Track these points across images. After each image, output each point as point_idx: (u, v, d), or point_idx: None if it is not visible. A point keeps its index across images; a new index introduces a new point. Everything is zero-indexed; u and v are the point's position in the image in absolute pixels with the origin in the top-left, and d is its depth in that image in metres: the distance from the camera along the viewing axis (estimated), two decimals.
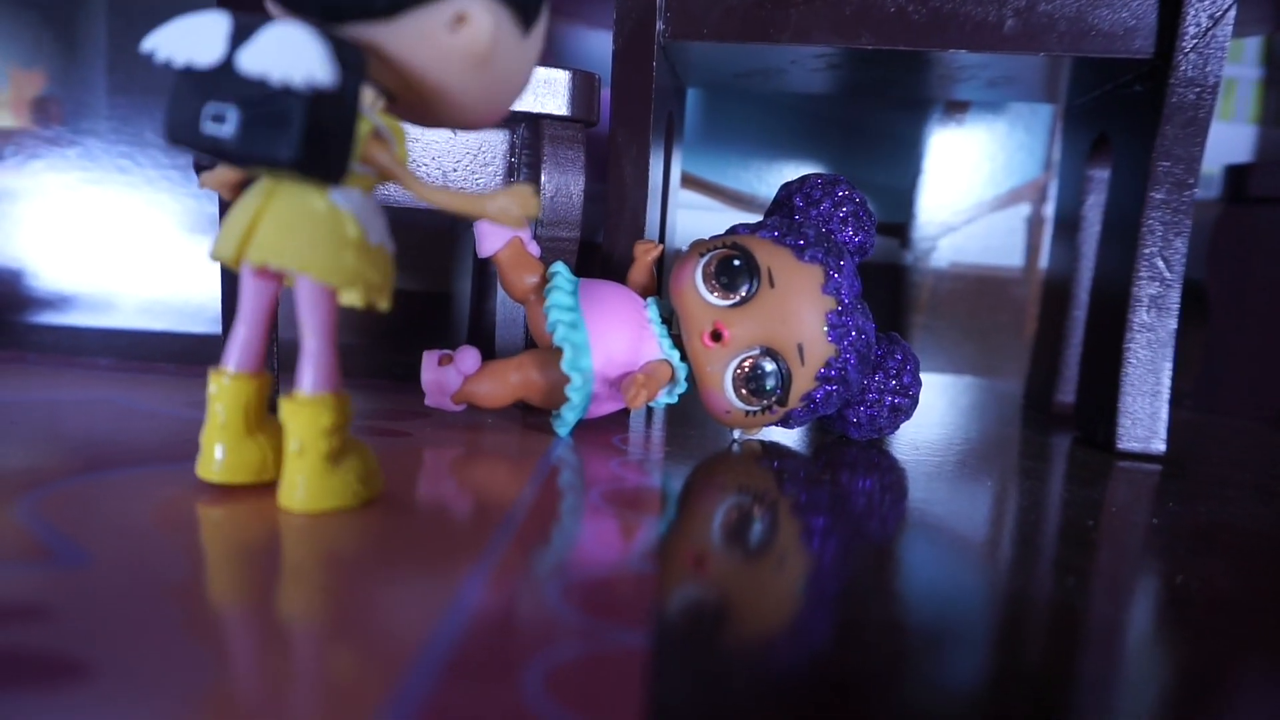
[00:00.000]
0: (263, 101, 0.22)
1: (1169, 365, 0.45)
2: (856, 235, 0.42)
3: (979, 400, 0.64)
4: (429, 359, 0.40)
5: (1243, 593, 0.26)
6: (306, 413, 0.26)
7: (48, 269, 0.72)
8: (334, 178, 0.24)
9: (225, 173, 0.28)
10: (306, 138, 0.22)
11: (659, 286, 0.46)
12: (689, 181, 0.74)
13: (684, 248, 0.42)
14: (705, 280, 0.39)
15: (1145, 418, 0.45)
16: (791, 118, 0.74)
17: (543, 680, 0.17)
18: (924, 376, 0.73)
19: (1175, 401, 0.66)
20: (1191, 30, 0.42)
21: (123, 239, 0.72)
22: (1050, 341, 0.59)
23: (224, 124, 0.23)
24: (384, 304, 0.26)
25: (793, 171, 0.74)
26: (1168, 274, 0.44)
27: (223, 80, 0.23)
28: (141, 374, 0.50)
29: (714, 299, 0.39)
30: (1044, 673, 0.20)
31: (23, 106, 0.70)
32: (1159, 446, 0.45)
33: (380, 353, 0.68)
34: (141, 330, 0.70)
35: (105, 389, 0.45)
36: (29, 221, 0.72)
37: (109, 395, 0.44)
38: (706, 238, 0.41)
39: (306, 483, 0.27)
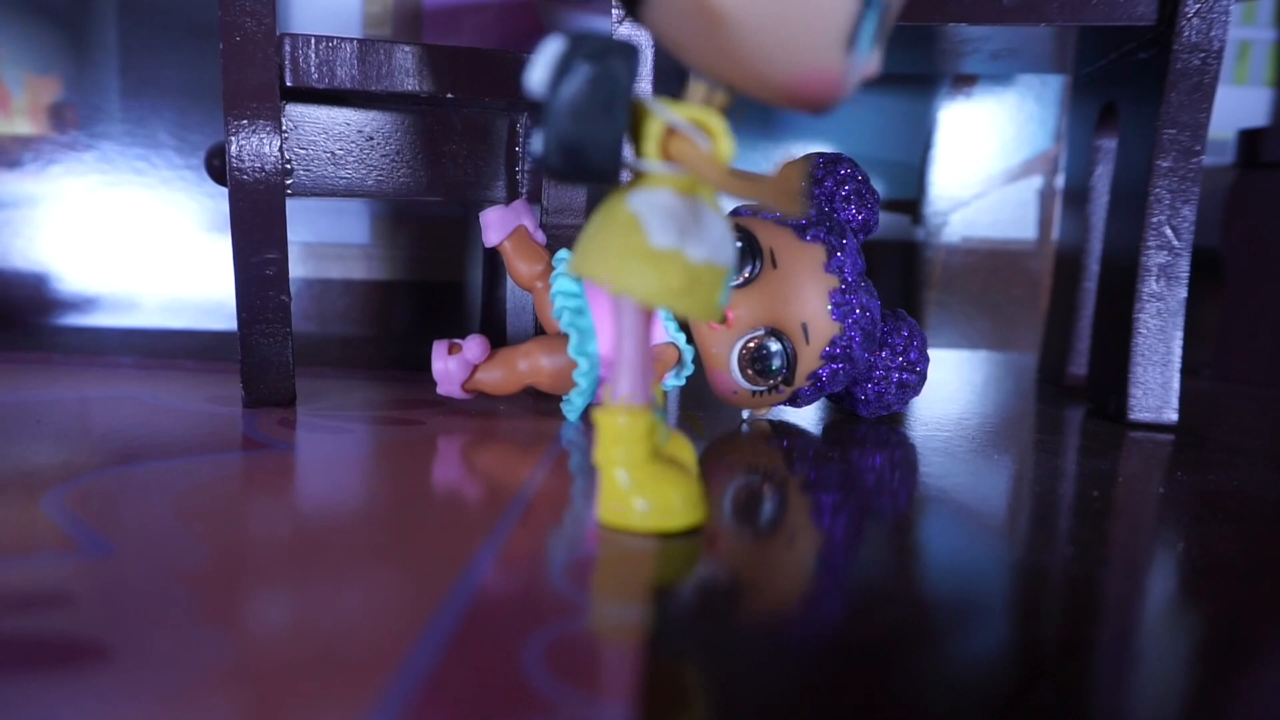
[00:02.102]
0: (536, 115, 0.23)
1: (1179, 334, 0.44)
2: (860, 213, 0.42)
3: (993, 375, 0.64)
4: (439, 348, 0.41)
5: (1249, 559, 0.26)
6: (603, 420, 0.26)
7: (70, 272, 0.74)
8: (601, 179, 0.24)
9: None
10: (556, 144, 0.22)
11: None
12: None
13: None
14: None
15: (1157, 388, 0.45)
16: None
17: (542, 654, 0.18)
18: (938, 352, 0.72)
19: (1192, 370, 0.65)
20: None
21: (141, 240, 0.73)
22: (1063, 314, 0.58)
23: (530, 142, 0.24)
24: (697, 311, 0.24)
25: (800, 151, 0.74)
26: (1176, 242, 0.44)
27: (528, 103, 0.24)
28: (163, 371, 0.52)
29: None
30: (1054, 642, 0.21)
31: (40, 113, 0.72)
32: (1171, 416, 0.45)
33: (394, 343, 0.69)
34: (162, 329, 0.72)
35: (128, 386, 0.47)
36: (50, 226, 0.73)
37: (132, 392, 0.45)
38: None
39: (600, 493, 0.26)
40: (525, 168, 0.46)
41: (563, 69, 0.22)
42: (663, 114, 0.24)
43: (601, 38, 0.23)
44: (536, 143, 0.23)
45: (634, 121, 0.24)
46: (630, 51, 0.23)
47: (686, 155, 0.24)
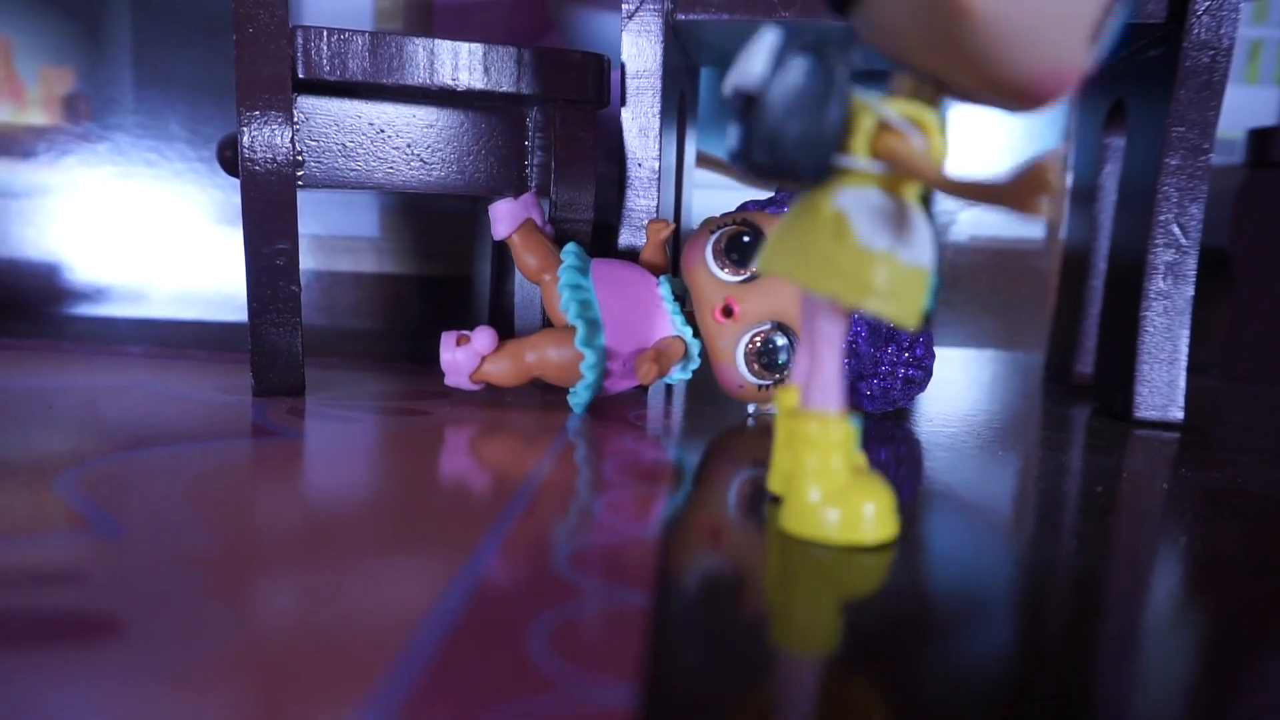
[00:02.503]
0: (743, 112, 0.23)
1: (1186, 333, 0.44)
2: None
3: (1000, 373, 0.64)
4: (447, 340, 0.41)
5: (1253, 557, 0.26)
6: (797, 427, 0.25)
7: (81, 262, 0.74)
8: (811, 178, 0.23)
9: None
10: (762, 139, 0.22)
11: (673, 264, 0.46)
12: (705, 160, 0.74)
13: (699, 222, 0.42)
14: (716, 257, 0.40)
15: (1163, 386, 0.45)
16: None
17: (546, 637, 0.18)
18: (945, 351, 0.72)
19: (1200, 369, 0.65)
20: None
21: (153, 231, 0.74)
22: (1070, 312, 0.58)
23: (730, 141, 0.23)
24: (903, 316, 0.23)
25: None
26: (1184, 241, 0.44)
27: (731, 101, 0.23)
28: (173, 360, 0.52)
29: (725, 275, 0.39)
30: (1057, 638, 0.21)
31: (53, 104, 0.72)
32: (1177, 414, 0.45)
33: (403, 336, 0.69)
34: (173, 319, 0.72)
35: (139, 375, 0.47)
36: (62, 216, 0.74)
37: (142, 381, 0.45)
38: (717, 215, 0.41)
39: (788, 503, 0.26)
40: (534, 162, 0.47)
41: (779, 61, 0.22)
42: (877, 109, 0.23)
43: (819, 29, 0.23)
44: (735, 138, 0.23)
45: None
46: (849, 43, 0.22)
47: (901, 153, 0.23)
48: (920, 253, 0.23)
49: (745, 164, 0.23)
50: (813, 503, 0.25)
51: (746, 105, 0.22)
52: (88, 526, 0.24)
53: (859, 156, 0.23)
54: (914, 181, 0.24)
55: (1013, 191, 0.21)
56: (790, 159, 0.22)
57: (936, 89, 0.23)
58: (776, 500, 0.29)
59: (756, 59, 0.22)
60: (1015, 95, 0.22)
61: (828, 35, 0.22)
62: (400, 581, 0.21)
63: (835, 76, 0.22)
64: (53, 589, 0.20)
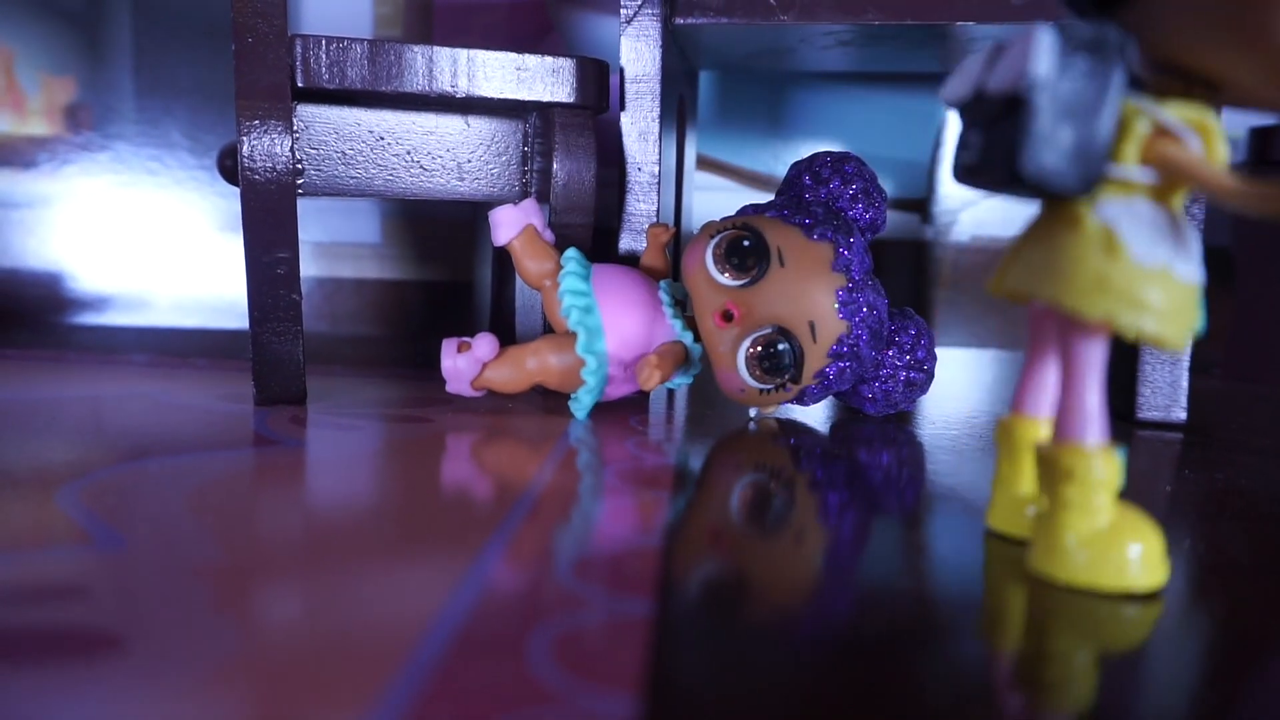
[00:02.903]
0: (998, 118, 0.21)
1: None
2: (867, 212, 0.42)
3: (1003, 374, 0.64)
4: (448, 346, 0.41)
5: (1256, 558, 0.26)
6: (1044, 463, 0.23)
7: (83, 271, 0.74)
8: (1076, 188, 0.21)
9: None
10: (1029, 146, 0.20)
11: (673, 269, 0.46)
12: (705, 163, 0.74)
13: (699, 227, 0.42)
14: (716, 261, 0.40)
15: (1165, 386, 0.45)
16: (806, 96, 0.74)
17: (548, 647, 0.18)
18: (947, 351, 0.72)
19: (1203, 369, 0.65)
20: None
21: (154, 239, 0.74)
22: None
23: (970, 150, 0.22)
24: (1176, 337, 0.21)
25: (809, 149, 0.74)
26: None
27: (976, 108, 0.22)
28: (176, 369, 0.52)
29: (725, 279, 0.39)
30: (1064, 639, 0.21)
31: (55, 113, 0.72)
32: (1180, 415, 0.44)
33: (405, 342, 0.69)
34: (175, 328, 0.72)
35: (141, 384, 0.47)
36: (64, 226, 0.74)
37: (145, 390, 0.45)
38: (717, 219, 0.41)
39: (1046, 544, 0.23)
40: (534, 167, 0.47)
41: (1033, 56, 0.20)
42: (1151, 113, 0.21)
43: (1091, 25, 0.21)
44: (976, 147, 0.21)
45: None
46: (1125, 42, 0.21)
47: (1179, 160, 0.21)
48: (1194, 267, 0.22)
49: (993, 174, 0.21)
50: (1073, 545, 0.23)
51: (1000, 110, 0.21)
52: (90, 539, 0.24)
53: (1129, 164, 0.21)
54: (1182, 190, 0.22)
55: None
56: (1060, 168, 0.20)
57: (1209, 91, 0.22)
58: (999, 536, 0.27)
59: (1039, 59, 0.20)
60: None
61: (1105, 31, 0.20)
62: (402, 591, 0.21)
63: (1112, 78, 0.20)
64: (54, 603, 0.20)
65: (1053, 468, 0.23)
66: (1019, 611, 0.22)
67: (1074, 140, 0.20)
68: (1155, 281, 0.21)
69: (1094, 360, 0.23)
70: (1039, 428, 0.26)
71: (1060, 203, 0.22)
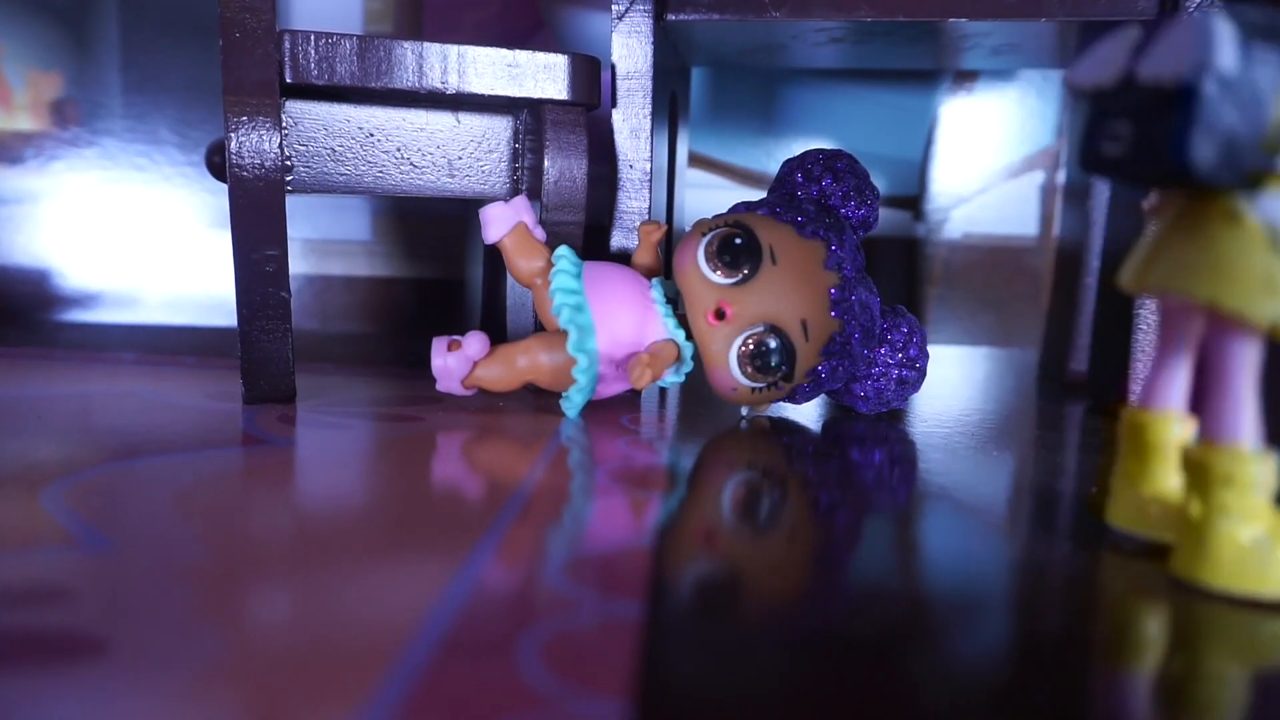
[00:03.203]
0: (1155, 108, 0.20)
1: None
2: (859, 209, 0.42)
3: (995, 371, 0.64)
4: (438, 345, 0.41)
5: None
6: (1197, 465, 0.22)
7: (71, 268, 0.74)
8: (1234, 181, 0.20)
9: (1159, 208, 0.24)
10: (1194, 138, 0.19)
11: (665, 267, 0.46)
12: (698, 160, 0.74)
13: (691, 224, 0.42)
14: (708, 259, 0.39)
15: None
16: (799, 92, 0.73)
17: (537, 651, 0.18)
18: (940, 348, 0.72)
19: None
20: None
21: (143, 236, 0.73)
22: (1064, 310, 0.58)
23: (1118, 141, 0.21)
24: None
25: (802, 146, 0.74)
26: None
27: (1123, 96, 0.21)
28: (164, 367, 0.52)
29: (717, 277, 0.39)
30: (1052, 640, 0.21)
31: (41, 109, 0.72)
32: None
33: (395, 340, 0.69)
34: (164, 325, 0.72)
35: (129, 382, 0.47)
36: (51, 222, 0.73)
37: (132, 388, 0.45)
38: (709, 217, 0.41)
39: (1201, 550, 0.22)
40: (525, 164, 0.46)
41: (1212, 41, 0.19)
42: None
43: (1265, 11, 0.20)
44: (1128, 138, 0.20)
45: None
46: None
47: None
48: None
49: (1147, 166, 0.20)
50: (1231, 552, 0.22)
51: (1158, 99, 0.20)
52: (74, 541, 0.23)
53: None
54: None
55: None
56: (1226, 161, 0.20)
57: None
58: (1119, 532, 0.27)
59: (1221, 47, 0.19)
60: None
61: (1276, 21, 0.20)
62: (391, 593, 0.21)
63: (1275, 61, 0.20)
64: (38, 606, 0.19)
65: (1208, 471, 0.22)
66: (1155, 625, 0.22)
67: (1242, 131, 0.20)
68: None
69: (1251, 361, 0.22)
70: (1169, 424, 0.25)
71: (1211, 197, 0.21)
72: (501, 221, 0.41)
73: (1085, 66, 0.22)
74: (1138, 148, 0.20)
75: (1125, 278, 0.23)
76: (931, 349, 0.45)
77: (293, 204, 0.42)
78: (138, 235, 0.73)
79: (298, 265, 0.72)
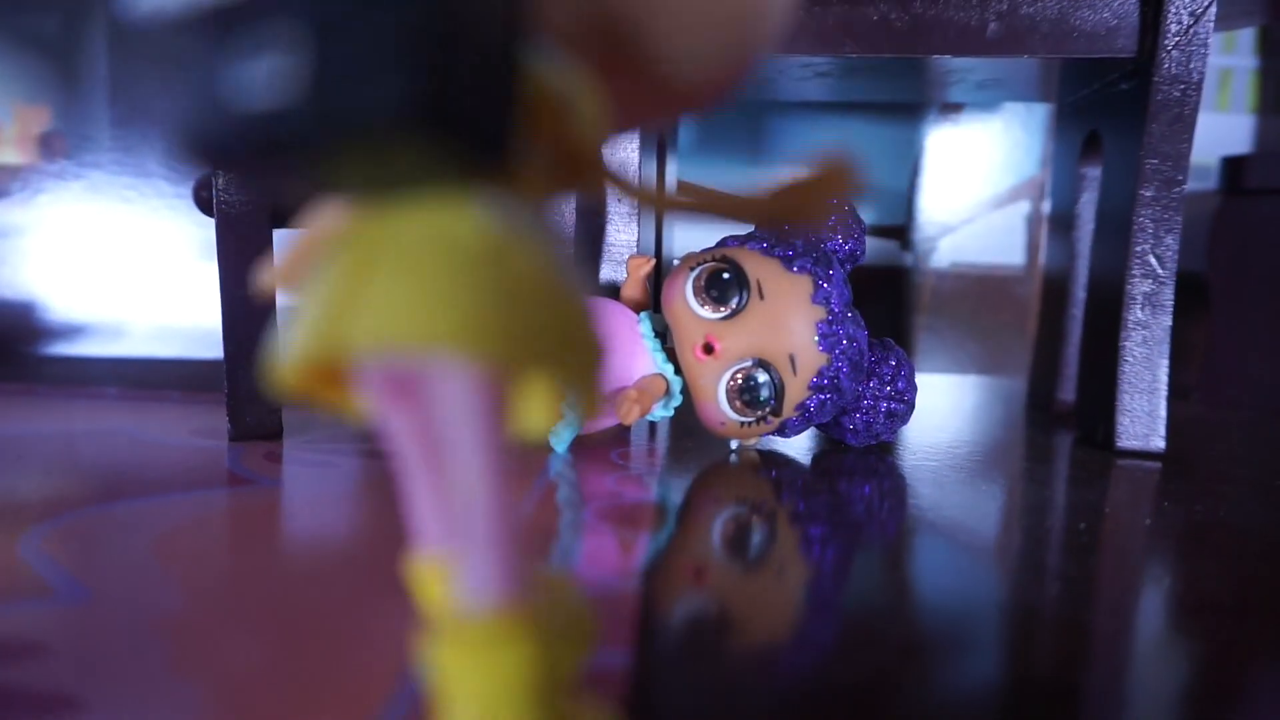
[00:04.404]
0: (347, 14, 0.11)
1: (1165, 362, 0.45)
2: (846, 243, 0.42)
3: (983, 400, 0.64)
4: None
5: (1234, 595, 0.26)
6: (465, 653, 0.13)
7: (57, 300, 0.73)
8: (499, 151, 0.12)
9: (306, 246, 0.15)
10: (448, 61, 0.11)
11: (654, 301, 0.46)
12: (686, 190, 0.74)
13: (679, 258, 0.42)
14: (696, 294, 0.39)
15: (1144, 415, 0.45)
16: (786, 124, 0.74)
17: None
18: (929, 377, 0.73)
19: (1181, 395, 0.65)
20: (1174, 28, 0.42)
21: (130, 268, 0.73)
22: (1051, 340, 0.59)
23: (275, 65, 0.11)
24: (584, 394, 0.13)
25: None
26: (1160, 271, 0.44)
27: (262, 7, 0.11)
28: (149, 403, 0.51)
29: (705, 312, 0.39)
30: (1040, 682, 0.21)
31: (28, 142, 0.72)
32: (1158, 444, 0.45)
33: None
34: (150, 358, 0.71)
35: (113, 419, 0.46)
36: (37, 255, 0.73)
37: (116, 426, 0.45)
38: (697, 251, 0.41)
39: None
40: None
41: None
42: (560, 73, 0.13)
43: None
44: (288, 64, 0.10)
45: None
46: None
47: (581, 146, 0.14)
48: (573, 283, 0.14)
49: (337, 106, 0.11)
50: None
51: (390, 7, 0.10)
52: (51, 591, 0.23)
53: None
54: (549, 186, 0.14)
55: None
56: (473, 115, 0.11)
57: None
58: None
59: None
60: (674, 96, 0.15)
61: None
62: (376, 642, 0.20)
63: None
64: (12, 662, 0.19)
65: (446, 659, 0.13)
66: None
67: (483, 80, 0.11)
68: (562, 311, 0.13)
69: (495, 441, 0.13)
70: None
71: (401, 205, 0.12)
72: None
73: None
74: (321, 78, 0.10)
75: (299, 349, 0.12)
76: (919, 378, 0.45)
77: (279, 236, 0.42)
78: (125, 267, 0.73)
79: (283, 299, 0.72)
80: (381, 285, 0.11)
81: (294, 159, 0.11)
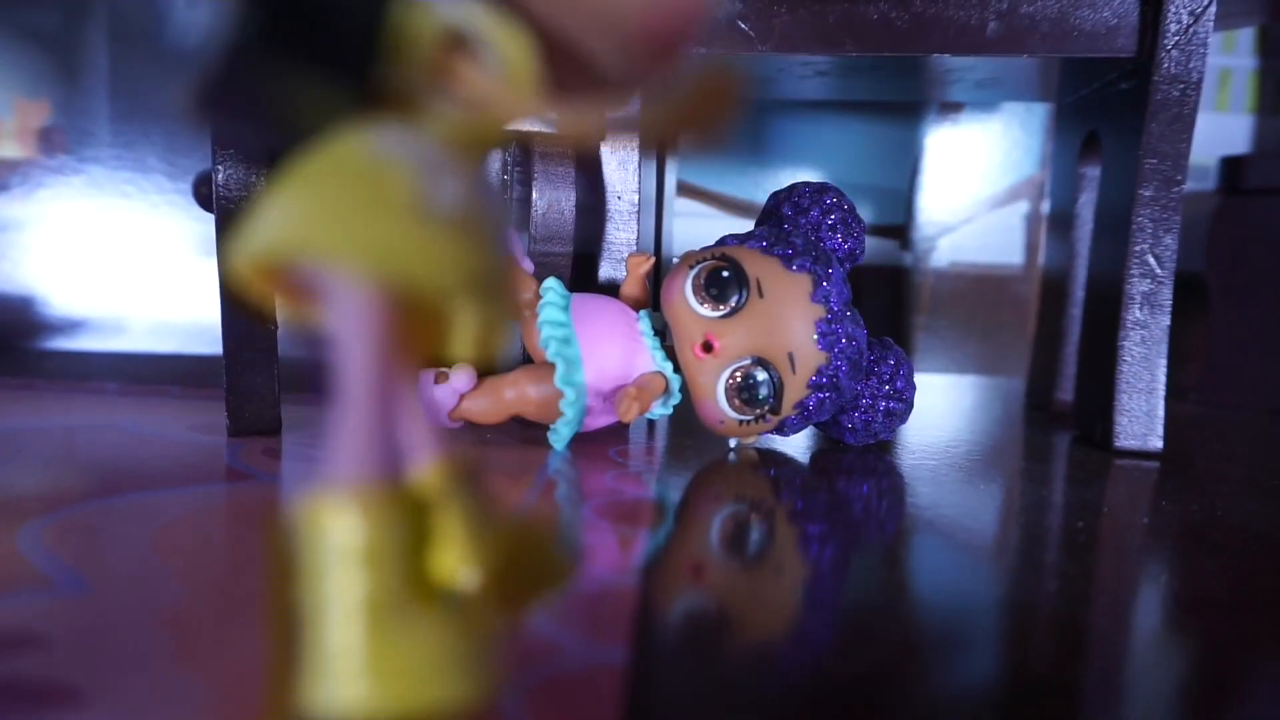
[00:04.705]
0: None
1: (1163, 362, 0.45)
2: (846, 242, 0.42)
3: (982, 400, 0.64)
4: (425, 377, 0.41)
5: (1231, 593, 0.26)
6: (318, 525, 0.14)
7: (56, 295, 0.73)
8: (351, 78, 0.13)
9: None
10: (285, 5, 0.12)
11: (653, 298, 0.46)
12: (685, 190, 0.74)
13: (679, 256, 0.42)
14: (695, 292, 0.40)
15: (1142, 415, 0.45)
16: (786, 123, 0.74)
17: (523, 697, 0.18)
18: (927, 377, 0.73)
19: (1180, 395, 0.66)
20: (1173, 28, 0.42)
21: (129, 263, 0.73)
22: (1049, 339, 0.59)
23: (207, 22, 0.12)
24: (467, 298, 0.13)
25: (789, 176, 0.74)
26: (1159, 271, 0.44)
27: None
28: (148, 397, 0.51)
29: (704, 310, 0.39)
30: (1038, 680, 0.21)
31: (28, 136, 0.72)
32: (1156, 444, 0.45)
33: None
34: (149, 353, 0.71)
35: (112, 413, 0.46)
36: (37, 250, 0.73)
37: (116, 420, 0.45)
38: (696, 249, 0.41)
39: (336, 653, 0.13)
40: (513, 195, 0.47)
41: None
42: (448, 6, 0.14)
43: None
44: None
45: None
46: None
47: (477, 83, 0.14)
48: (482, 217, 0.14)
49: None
50: (391, 636, 0.13)
51: None
52: (51, 584, 0.23)
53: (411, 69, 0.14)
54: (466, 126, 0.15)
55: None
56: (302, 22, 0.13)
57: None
58: None
59: None
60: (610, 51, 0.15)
61: None
62: None
63: None
64: (13, 654, 0.19)
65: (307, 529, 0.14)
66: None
67: None
68: (458, 236, 0.13)
69: (371, 348, 0.14)
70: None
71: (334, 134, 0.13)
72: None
73: None
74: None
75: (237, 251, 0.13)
76: (918, 377, 0.45)
77: None
78: (124, 262, 0.73)
79: None
80: (279, 199, 0.13)
81: (241, 99, 0.13)
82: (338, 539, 0.14)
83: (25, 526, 0.27)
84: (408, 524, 0.14)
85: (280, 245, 0.13)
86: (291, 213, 0.13)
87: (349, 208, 0.13)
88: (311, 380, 0.62)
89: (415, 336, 0.14)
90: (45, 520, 0.28)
